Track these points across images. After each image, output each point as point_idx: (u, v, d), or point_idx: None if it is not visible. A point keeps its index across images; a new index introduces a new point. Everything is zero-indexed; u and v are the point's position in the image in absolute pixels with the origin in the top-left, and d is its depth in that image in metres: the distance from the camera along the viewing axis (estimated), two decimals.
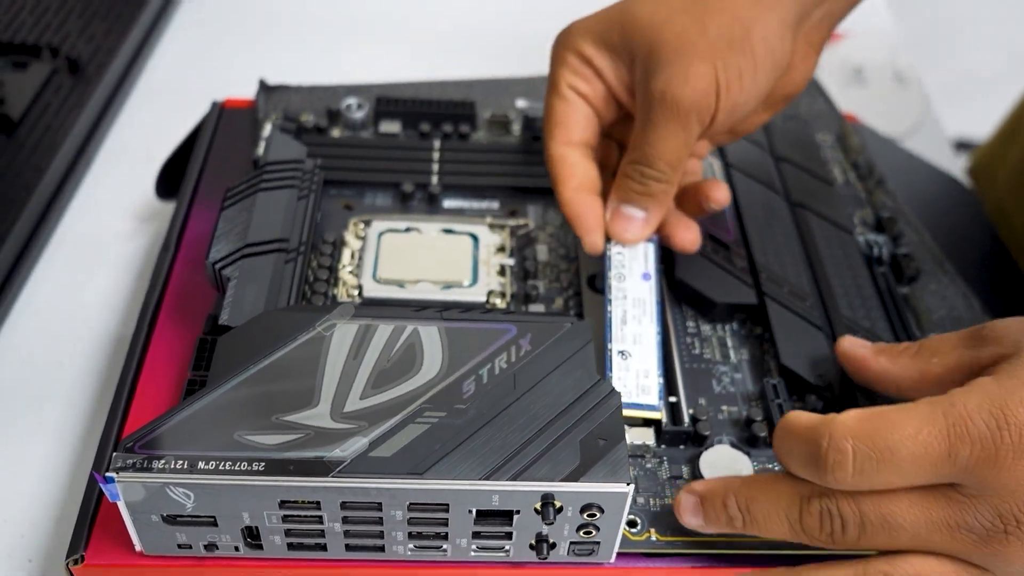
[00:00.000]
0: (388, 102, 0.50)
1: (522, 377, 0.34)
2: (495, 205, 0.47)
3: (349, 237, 0.44)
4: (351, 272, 0.42)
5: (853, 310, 0.41)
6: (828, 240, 0.44)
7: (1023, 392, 0.28)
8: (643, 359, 0.38)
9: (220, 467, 0.31)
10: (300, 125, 0.48)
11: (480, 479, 0.31)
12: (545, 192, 0.47)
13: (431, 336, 0.36)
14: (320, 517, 0.32)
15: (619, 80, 0.39)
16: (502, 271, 0.43)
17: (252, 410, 0.33)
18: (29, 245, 0.50)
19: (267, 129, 0.48)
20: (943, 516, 0.29)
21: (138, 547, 0.33)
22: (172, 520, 0.32)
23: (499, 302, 0.42)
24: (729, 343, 0.41)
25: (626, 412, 0.36)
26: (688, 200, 0.42)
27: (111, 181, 0.56)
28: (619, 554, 0.34)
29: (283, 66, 0.60)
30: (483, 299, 0.41)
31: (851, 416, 0.30)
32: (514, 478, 0.31)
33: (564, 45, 0.40)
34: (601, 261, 0.40)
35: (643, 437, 0.37)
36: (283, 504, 0.31)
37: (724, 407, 0.39)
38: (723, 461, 0.36)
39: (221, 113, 0.52)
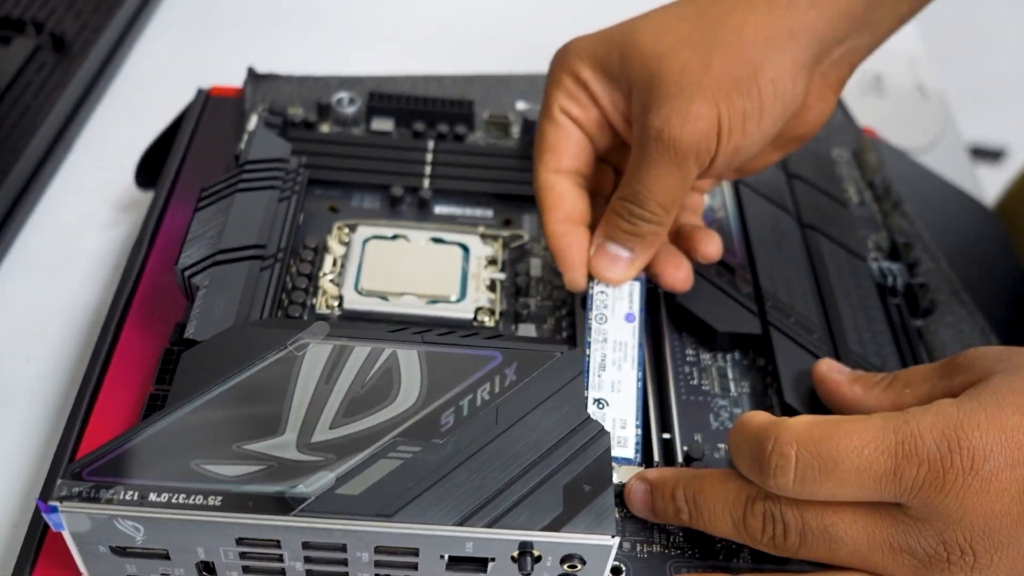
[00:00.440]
0: (381, 98, 0.47)
1: (505, 411, 0.32)
2: (489, 213, 0.44)
3: (332, 242, 0.41)
4: (332, 281, 0.40)
5: (863, 345, 0.39)
6: (840, 267, 0.42)
7: (981, 417, 0.27)
8: (621, 408, 0.35)
9: (173, 500, 0.28)
10: (287, 119, 0.45)
11: (453, 524, 0.29)
12: None
13: (410, 361, 0.33)
14: (280, 556, 0.30)
15: (615, 108, 0.37)
16: (492, 286, 0.40)
17: (213, 436, 0.30)
18: (1, 231, 0.48)
19: (253, 121, 0.46)
20: (885, 536, 0.28)
21: (85, 574, 0.31)
22: (121, 552, 0.30)
23: (488, 320, 0.39)
24: (730, 374, 0.39)
25: None
26: (682, 240, 0.39)
27: (91, 167, 0.54)
28: None
29: (278, 53, 0.57)
30: (470, 316, 0.39)
31: (801, 421, 0.29)
32: (490, 525, 0.29)
33: (560, 65, 0.37)
34: (583, 299, 0.38)
35: (628, 475, 0.34)
36: (241, 541, 0.29)
37: (721, 445, 0.36)
38: None
39: (206, 101, 0.49)
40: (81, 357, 0.43)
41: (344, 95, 0.48)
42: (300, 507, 0.29)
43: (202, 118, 0.48)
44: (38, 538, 0.32)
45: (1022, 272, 0.51)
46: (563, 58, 0.37)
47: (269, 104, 0.46)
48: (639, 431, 0.35)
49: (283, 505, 0.29)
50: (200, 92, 0.49)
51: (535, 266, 0.42)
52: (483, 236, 0.42)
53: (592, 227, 0.38)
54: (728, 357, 0.39)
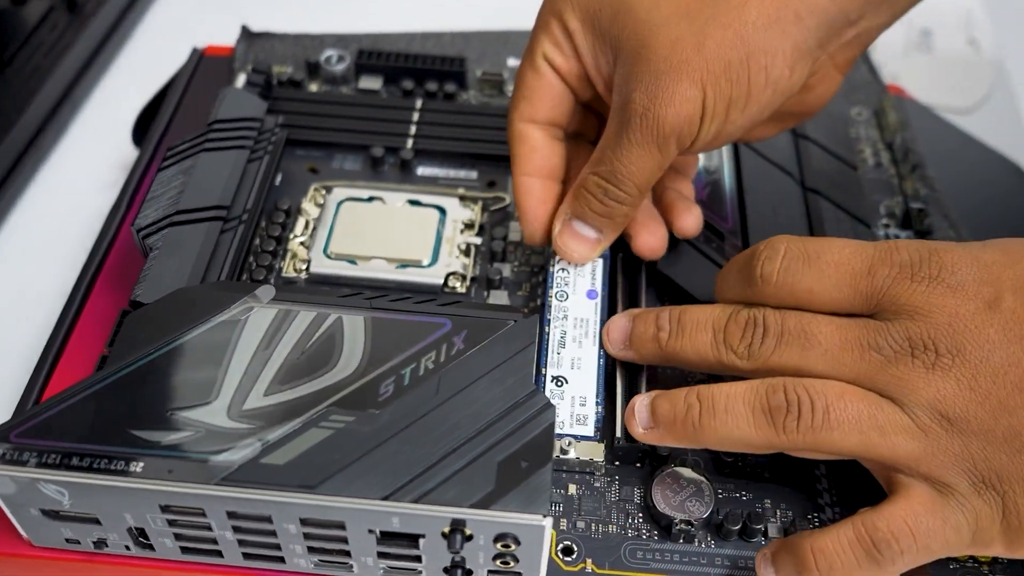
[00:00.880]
0: (370, 55, 0.46)
1: (448, 381, 0.30)
2: (473, 175, 0.42)
3: (307, 204, 0.40)
4: (303, 244, 0.39)
5: None
6: (842, 234, 0.39)
7: (960, 250, 0.29)
8: (581, 385, 0.34)
9: (95, 465, 0.28)
10: (269, 78, 0.44)
11: (379, 498, 0.27)
12: None
13: (355, 327, 0.32)
14: (209, 525, 0.29)
15: (597, 68, 0.34)
16: (467, 251, 0.39)
17: (147, 401, 0.30)
18: (4, 187, 0.48)
19: (241, 80, 0.45)
20: (856, 335, 0.29)
21: (26, 537, 0.31)
22: (54, 515, 0.29)
23: (459, 285, 0.38)
24: None
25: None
26: (663, 208, 0.37)
27: (98, 128, 0.54)
28: None
29: (292, 13, 0.56)
30: (440, 282, 0.38)
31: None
32: (417, 500, 0.27)
33: (550, 9, 0.34)
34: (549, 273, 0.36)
35: (591, 452, 0.33)
36: (166, 509, 0.28)
37: None
38: (681, 485, 0.32)
39: (200, 60, 0.48)
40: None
41: (333, 53, 0.46)
42: (222, 476, 0.28)
43: (194, 78, 0.47)
44: None
45: None
46: (554, 2, 0.34)
47: (254, 63, 0.45)
48: (600, 408, 0.33)
49: (205, 473, 0.28)
50: (194, 51, 0.49)
51: (514, 230, 0.40)
52: (462, 199, 0.41)
53: (567, 181, 0.36)
54: None
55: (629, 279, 0.37)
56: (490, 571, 0.29)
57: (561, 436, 0.33)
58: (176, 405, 0.29)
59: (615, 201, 0.34)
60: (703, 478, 0.32)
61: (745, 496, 0.32)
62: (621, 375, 0.34)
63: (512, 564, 0.29)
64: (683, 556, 0.31)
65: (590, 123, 0.38)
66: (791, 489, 0.33)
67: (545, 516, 0.27)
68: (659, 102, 0.31)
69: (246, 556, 0.30)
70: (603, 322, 0.35)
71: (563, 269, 0.36)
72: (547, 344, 0.35)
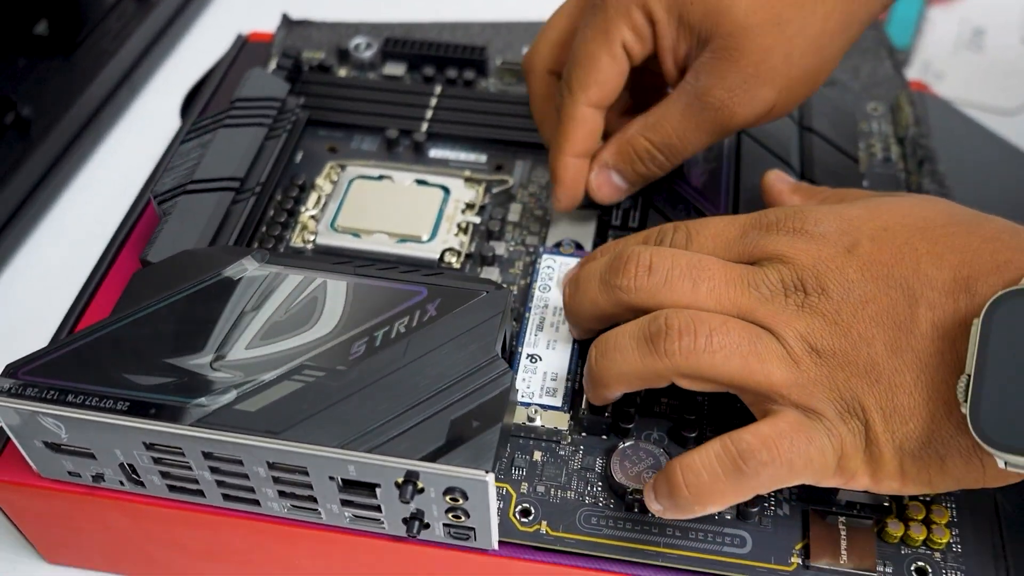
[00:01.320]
0: (396, 43, 0.48)
1: (416, 344, 0.32)
2: (483, 158, 0.44)
3: (322, 181, 0.43)
4: (313, 217, 0.41)
5: None
6: None
7: (826, 209, 0.31)
8: (554, 363, 0.35)
9: (87, 402, 0.31)
10: (298, 62, 0.47)
11: (336, 447, 0.29)
12: (535, 148, 0.44)
13: (337, 291, 0.34)
14: (189, 464, 0.31)
15: (674, 52, 0.36)
16: (465, 229, 0.40)
17: (142, 349, 0.32)
18: (63, 161, 0.52)
19: (272, 64, 0.47)
20: (738, 274, 0.31)
21: (35, 469, 0.34)
22: (55, 448, 0.32)
23: (454, 261, 0.39)
24: None
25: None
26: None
27: (155, 108, 0.58)
28: (505, 543, 0.32)
29: (337, 2, 0.58)
30: (436, 256, 0.39)
31: None
32: (371, 450, 0.29)
33: None
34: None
35: (556, 422, 0.34)
36: (150, 447, 0.31)
37: (664, 399, 0.35)
38: (640, 457, 0.33)
39: (243, 46, 0.51)
40: None
41: (361, 40, 0.49)
42: (197, 418, 0.30)
43: (236, 61, 0.50)
44: (4, 439, 0.35)
45: None
46: None
47: (284, 48, 0.48)
48: (570, 384, 0.35)
49: (182, 415, 0.30)
50: (239, 37, 0.52)
51: (514, 211, 0.42)
52: (467, 180, 0.42)
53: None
54: None
55: None
56: (445, 524, 0.31)
57: (528, 404, 0.34)
58: (166, 354, 0.32)
59: (657, 168, 0.37)
60: (662, 451, 0.33)
61: None
62: None
63: (464, 518, 0.30)
64: (635, 524, 0.32)
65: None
66: None
67: (488, 472, 0.29)
68: (737, 101, 0.35)
69: (225, 497, 0.33)
70: None
71: (548, 266, 0.38)
72: (526, 326, 0.36)
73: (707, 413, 0.34)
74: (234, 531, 0.34)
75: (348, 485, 0.31)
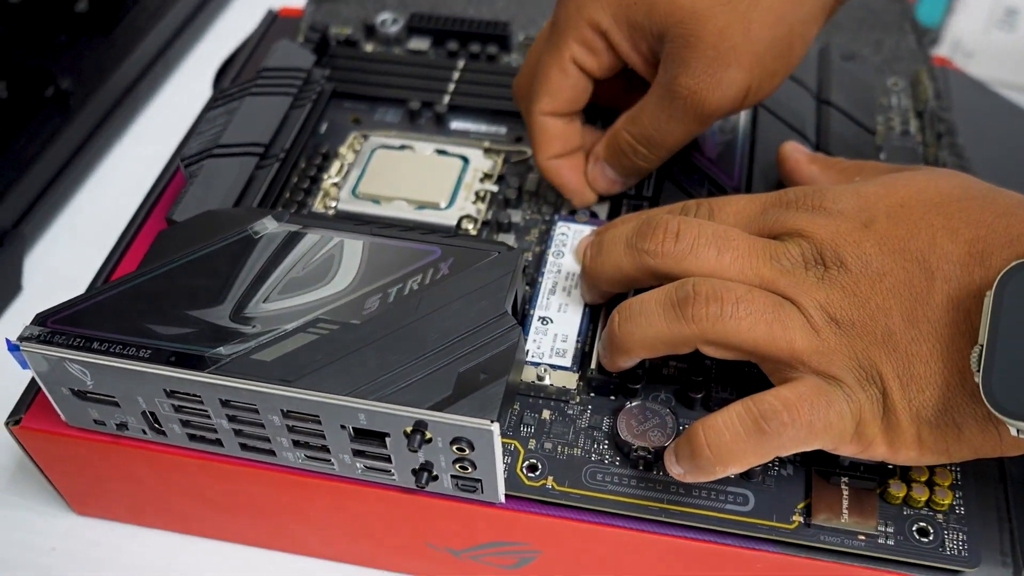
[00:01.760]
0: (421, 18, 0.49)
1: (427, 300, 0.33)
2: (503, 130, 0.45)
3: (344, 150, 0.44)
4: (334, 184, 0.42)
5: None
6: None
7: (845, 187, 0.32)
8: (564, 326, 0.36)
9: (111, 349, 0.32)
10: (325, 36, 0.48)
11: (347, 395, 0.30)
12: None
13: (353, 250, 0.35)
14: (207, 412, 0.32)
15: (637, 52, 0.36)
16: (483, 197, 0.41)
17: (165, 301, 0.34)
18: (101, 130, 0.54)
19: (300, 39, 0.48)
20: (761, 246, 0.32)
21: (63, 418, 0.35)
22: (82, 396, 0.34)
23: (471, 228, 0.40)
24: None
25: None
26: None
27: (191, 82, 0.59)
28: (511, 496, 0.33)
29: None
30: (453, 223, 0.40)
31: None
32: (381, 399, 0.30)
33: (577, 12, 0.36)
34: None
35: (565, 381, 0.35)
36: (171, 394, 0.32)
37: (673, 362, 0.35)
38: (647, 416, 0.33)
39: (273, 21, 0.53)
40: None
41: (388, 16, 0.50)
42: (214, 366, 0.31)
43: (266, 35, 0.52)
44: (36, 388, 0.37)
45: None
46: (581, 5, 0.36)
47: (312, 22, 0.49)
48: (580, 345, 0.35)
49: (200, 363, 0.31)
50: (269, 12, 0.53)
51: (531, 181, 0.42)
52: (486, 150, 0.43)
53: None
54: None
55: None
56: (452, 476, 0.32)
57: (538, 364, 0.35)
58: (187, 306, 0.33)
59: (642, 161, 0.38)
60: (668, 411, 0.33)
61: None
62: (603, 319, 0.36)
63: (471, 470, 0.31)
64: (640, 481, 0.32)
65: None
66: None
67: (493, 422, 0.29)
68: (704, 87, 0.34)
69: (242, 447, 0.34)
70: None
71: (563, 233, 0.39)
72: (539, 290, 0.37)
73: (714, 376, 0.35)
74: (251, 481, 0.35)
75: (359, 434, 0.31)
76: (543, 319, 0.36)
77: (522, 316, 0.36)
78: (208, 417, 0.33)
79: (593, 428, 0.34)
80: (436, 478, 0.32)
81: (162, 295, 0.34)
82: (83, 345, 0.32)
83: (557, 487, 0.33)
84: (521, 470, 0.33)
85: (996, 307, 0.27)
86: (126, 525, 0.40)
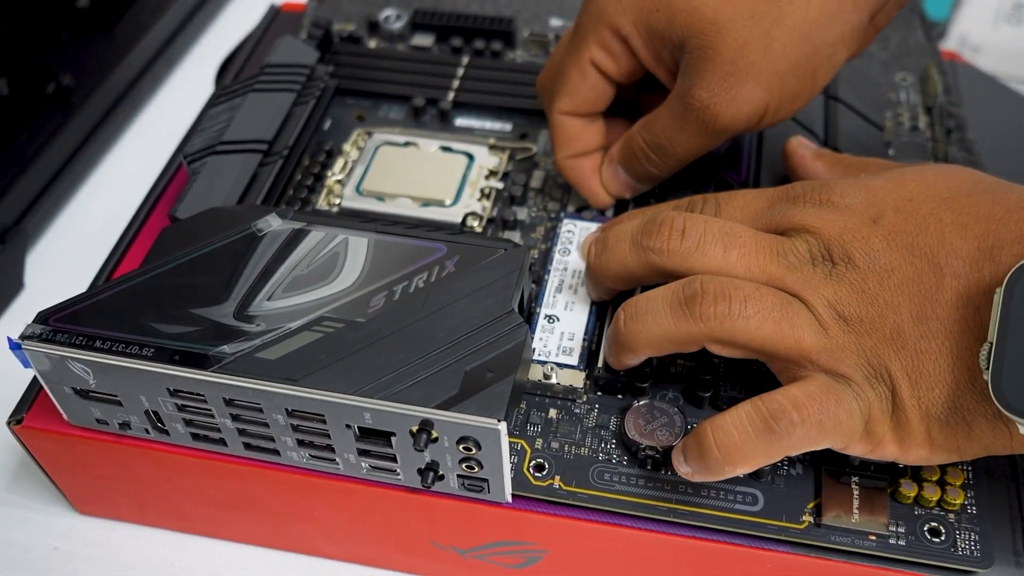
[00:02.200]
0: (425, 14, 0.49)
1: (433, 298, 0.33)
2: (508, 127, 0.45)
3: (348, 147, 0.43)
4: (338, 181, 0.42)
5: None
6: None
7: (852, 181, 0.32)
8: (571, 324, 0.35)
9: (114, 348, 0.31)
10: (328, 32, 0.47)
11: (352, 394, 0.30)
12: None
13: (358, 247, 0.35)
14: (211, 411, 0.32)
15: (658, 60, 0.36)
16: (488, 194, 0.41)
17: (168, 299, 0.33)
18: (103, 127, 0.53)
19: (303, 35, 0.48)
20: (768, 242, 0.31)
21: (65, 417, 0.35)
22: (84, 395, 0.33)
23: (476, 225, 0.40)
24: None
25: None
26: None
27: (193, 79, 0.59)
28: (518, 496, 0.32)
29: None
30: (459, 220, 0.40)
31: None
32: (386, 398, 0.30)
33: (599, 17, 0.36)
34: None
35: (572, 379, 0.34)
36: (174, 393, 0.32)
37: (681, 360, 0.35)
38: (654, 415, 0.33)
39: (276, 16, 0.52)
40: None
41: (391, 12, 0.49)
42: (218, 364, 0.31)
43: (268, 31, 0.51)
44: (38, 387, 0.36)
45: None
46: (603, 8, 0.36)
47: (315, 18, 0.49)
48: (587, 343, 0.35)
49: (204, 362, 0.31)
50: (271, 8, 0.53)
51: (536, 178, 0.42)
52: (492, 147, 0.43)
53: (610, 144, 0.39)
54: None
55: None
56: (459, 476, 0.32)
57: (545, 362, 0.34)
58: (191, 304, 0.33)
59: (653, 168, 0.37)
60: (676, 410, 0.33)
61: None
62: (610, 317, 0.35)
63: (477, 469, 0.31)
64: (648, 481, 0.32)
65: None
66: None
67: (500, 421, 0.29)
68: (718, 100, 0.34)
69: (246, 447, 0.33)
70: None
71: (568, 231, 0.38)
72: (545, 288, 0.37)
73: (722, 374, 0.34)
74: (255, 481, 0.34)
75: (364, 433, 0.31)
76: (550, 317, 0.36)
77: (528, 314, 0.36)
78: (212, 416, 0.32)
79: (600, 427, 0.34)
80: (442, 478, 0.32)
81: (165, 293, 0.33)
82: (85, 344, 0.32)
83: (564, 487, 0.32)
84: (528, 469, 0.33)
85: (1006, 304, 0.27)
86: (129, 525, 0.40)
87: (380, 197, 0.41)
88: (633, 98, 0.40)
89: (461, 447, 0.30)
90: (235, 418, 0.32)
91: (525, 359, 0.33)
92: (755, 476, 0.32)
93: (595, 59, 0.36)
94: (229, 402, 0.31)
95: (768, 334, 0.29)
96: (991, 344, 0.27)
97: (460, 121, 0.45)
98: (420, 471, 0.32)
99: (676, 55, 0.35)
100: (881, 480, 0.31)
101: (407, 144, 0.43)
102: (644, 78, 0.38)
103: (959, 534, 0.30)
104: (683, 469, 0.30)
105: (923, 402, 0.28)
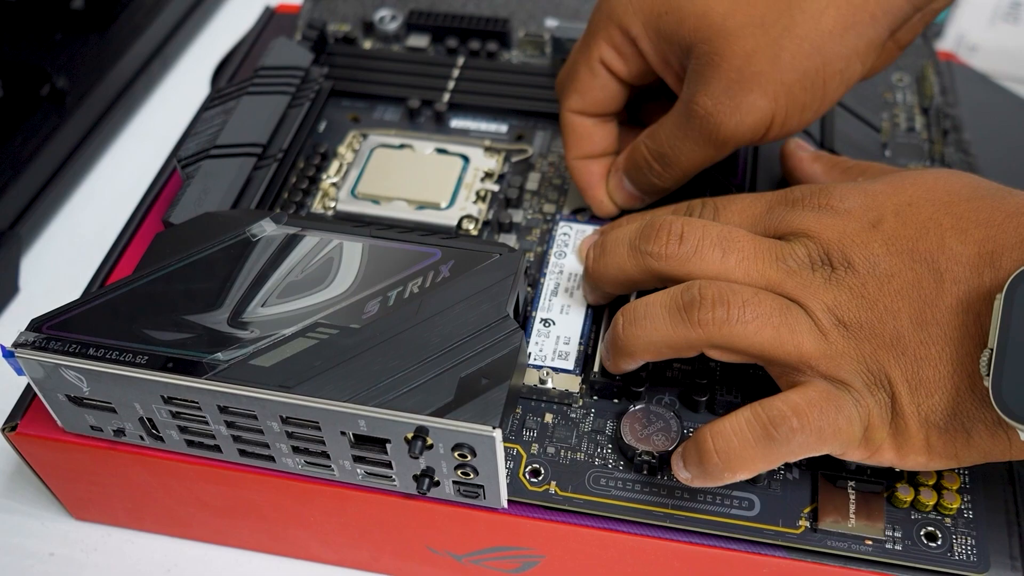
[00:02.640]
0: (420, 15, 0.48)
1: (428, 304, 0.32)
2: (503, 128, 0.44)
3: (343, 149, 0.43)
4: (333, 184, 0.42)
5: None
6: None
7: (852, 185, 0.31)
8: (567, 328, 0.35)
9: (108, 355, 0.31)
10: (323, 33, 0.47)
11: (347, 401, 0.30)
12: (556, 118, 0.44)
13: (353, 252, 0.34)
14: (205, 418, 0.32)
15: (666, 64, 0.35)
16: (484, 197, 0.41)
17: (161, 306, 0.33)
18: (98, 129, 0.53)
19: (298, 36, 0.48)
20: (767, 247, 0.31)
21: (59, 424, 0.35)
22: (78, 402, 0.33)
23: (472, 228, 0.40)
24: None
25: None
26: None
27: (188, 80, 0.59)
28: (514, 502, 0.32)
29: None
30: (454, 223, 0.40)
31: None
32: (381, 405, 0.30)
33: (609, 16, 0.35)
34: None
35: (568, 384, 0.34)
36: (168, 400, 0.32)
37: (677, 364, 0.35)
38: (651, 419, 0.33)
39: (270, 18, 0.52)
40: None
41: (386, 13, 0.49)
42: (212, 372, 0.31)
43: (263, 33, 0.51)
44: (32, 394, 0.36)
45: None
46: (614, 8, 0.35)
47: (309, 20, 0.49)
48: (582, 348, 0.35)
49: (198, 369, 0.31)
50: (266, 9, 0.53)
51: (532, 180, 0.42)
52: (487, 149, 0.43)
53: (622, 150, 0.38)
54: None
55: None
56: (454, 482, 0.31)
57: (540, 367, 0.34)
58: (185, 310, 0.33)
59: (656, 179, 0.37)
60: (672, 414, 0.33)
61: None
62: (606, 321, 0.35)
63: (472, 476, 0.31)
64: (644, 486, 0.32)
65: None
66: None
67: (495, 428, 0.29)
68: (722, 109, 0.33)
69: (241, 453, 0.33)
70: None
71: (564, 233, 0.38)
72: (541, 291, 0.36)
73: (718, 378, 0.34)
74: (250, 487, 0.34)
75: (359, 440, 0.31)
76: (545, 321, 0.36)
77: (524, 318, 0.36)
78: (206, 423, 0.32)
79: (596, 432, 0.34)
80: (438, 484, 0.32)
81: (159, 299, 0.33)
82: (79, 351, 0.31)
83: (560, 492, 0.32)
84: (523, 475, 0.33)
85: (1006, 310, 0.27)
86: (125, 530, 0.40)
87: (375, 200, 0.41)
88: (644, 112, 0.40)
89: (456, 454, 0.30)
90: (229, 425, 0.32)
91: (520, 365, 0.32)
92: (752, 481, 0.32)
93: (605, 58, 0.36)
94: (223, 409, 0.31)
95: (767, 340, 0.29)
96: (991, 350, 0.26)
97: (455, 123, 0.45)
98: (416, 477, 0.32)
99: (684, 60, 0.34)
100: (877, 484, 0.31)
101: (402, 146, 0.43)
102: (657, 88, 0.38)
103: (955, 538, 0.30)
104: (682, 475, 0.30)
105: (922, 409, 0.28)
